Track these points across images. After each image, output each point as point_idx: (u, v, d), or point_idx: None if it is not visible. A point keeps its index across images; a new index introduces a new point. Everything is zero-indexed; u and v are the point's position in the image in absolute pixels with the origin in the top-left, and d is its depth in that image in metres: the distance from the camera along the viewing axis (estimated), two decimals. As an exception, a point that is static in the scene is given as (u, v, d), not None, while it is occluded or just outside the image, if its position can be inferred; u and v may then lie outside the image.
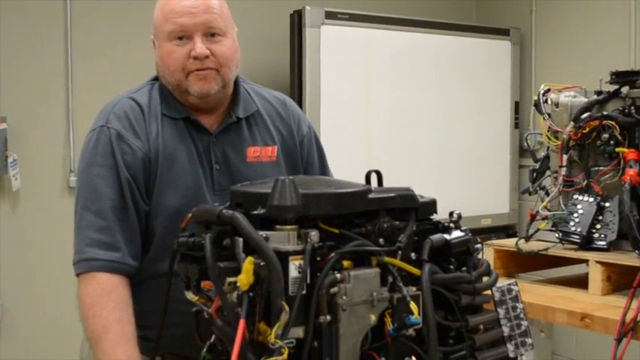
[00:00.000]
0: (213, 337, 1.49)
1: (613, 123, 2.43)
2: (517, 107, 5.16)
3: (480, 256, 1.67)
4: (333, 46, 4.30)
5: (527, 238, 2.58)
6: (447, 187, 4.53)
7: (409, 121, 4.65)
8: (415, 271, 1.51)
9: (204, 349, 1.49)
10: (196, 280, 1.46)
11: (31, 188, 3.81)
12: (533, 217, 2.63)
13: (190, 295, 1.48)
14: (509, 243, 2.64)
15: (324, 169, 2.16)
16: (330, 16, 4.28)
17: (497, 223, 5.01)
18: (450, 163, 4.82)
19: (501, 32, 5.07)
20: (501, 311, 1.64)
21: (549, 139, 2.60)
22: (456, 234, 1.62)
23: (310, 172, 2.10)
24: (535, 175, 2.71)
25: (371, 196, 1.52)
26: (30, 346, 3.85)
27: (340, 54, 4.36)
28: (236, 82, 2.03)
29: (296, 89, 4.19)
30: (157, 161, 1.92)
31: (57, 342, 3.85)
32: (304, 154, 2.10)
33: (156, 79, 2.03)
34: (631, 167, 2.37)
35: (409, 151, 4.61)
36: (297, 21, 4.22)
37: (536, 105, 2.61)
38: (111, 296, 1.80)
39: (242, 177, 1.91)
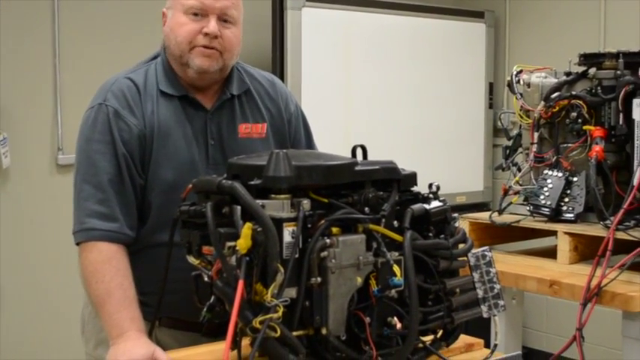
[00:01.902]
0: (212, 298, 1.61)
1: (581, 102, 2.54)
2: (491, 88, 5.25)
3: (456, 224, 1.80)
4: (313, 27, 4.37)
5: (501, 212, 2.71)
6: (424, 166, 4.55)
7: (387, 100, 4.74)
8: (397, 237, 1.62)
9: (205, 309, 1.61)
10: (198, 245, 1.57)
11: (20, 166, 3.86)
12: (506, 192, 2.75)
13: (192, 259, 1.59)
14: (483, 216, 2.75)
15: (310, 146, 2.25)
16: (311, -2, 4.38)
17: (472, 200, 5.10)
18: (427, 142, 4.91)
19: (476, 15, 5.15)
20: (476, 275, 1.75)
21: (521, 117, 2.70)
22: (435, 204, 1.74)
23: (298, 148, 2.19)
24: (508, 152, 2.82)
25: (357, 168, 1.63)
26: (24, 321, 3.91)
27: (321, 35, 4.43)
28: None
29: (278, 70, 4.26)
30: (152, 138, 2.01)
31: (51, 315, 3.94)
32: (292, 131, 2.21)
33: (154, 58, 2.12)
34: (597, 144, 2.48)
35: (387, 130, 4.69)
36: (278, 3, 4.28)
37: (509, 85, 2.72)
38: (112, 263, 1.90)
39: (233, 152, 2.00)
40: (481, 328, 1.91)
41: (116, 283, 1.86)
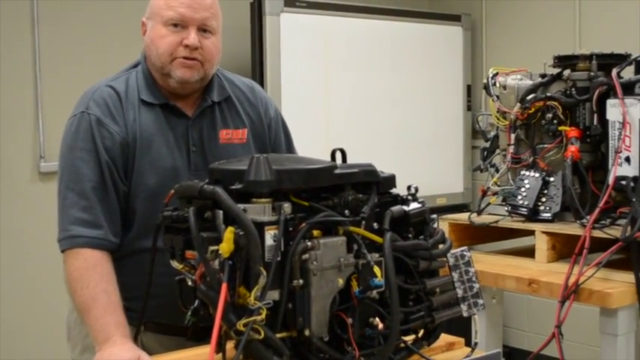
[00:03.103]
0: (196, 302, 1.63)
1: (556, 104, 2.57)
2: (469, 90, 5.31)
3: (435, 225, 1.83)
4: (292, 33, 4.40)
5: (479, 212, 2.74)
6: (403, 168, 4.59)
7: (366, 104, 4.77)
8: (378, 239, 1.65)
9: (189, 313, 1.63)
10: (181, 250, 1.59)
11: (2, 173, 3.86)
12: (484, 193, 2.79)
13: (175, 264, 1.61)
14: (462, 217, 2.78)
15: (290, 150, 2.28)
16: (289, 4, 4.38)
17: (452, 201, 5.13)
18: (406, 144, 4.94)
19: (453, 18, 5.20)
20: (455, 275, 1.77)
21: (498, 119, 2.74)
22: (414, 205, 1.77)
23: (278, 153, 2.21)
24: (486, 153, 2.85)
25: (337, 171, 1.66)
26: (8, 326, 3.92)
27: (299, 41, 4.46)
28: None
29: (257, 75, 4.28)
30: (134, 145, 2.03)
31: (35, 320, 3.94)
32: (272, 136, 2.23)
33: (134, 66, 2.14)
34: (572, 144, 2.51)
35: (367, 133, 4.73)
36: (257, 9, 4.31)
37: (486, 88, 2.75)
38: (96, 269, 1.92)
39: (215, 158, 2.02)
40: (461, 327, 1.93)
41: (101, 289, 1.88)
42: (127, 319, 1.91)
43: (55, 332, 2.23)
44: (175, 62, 2.03)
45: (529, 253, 2.63)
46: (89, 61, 4.00)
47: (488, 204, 2.73)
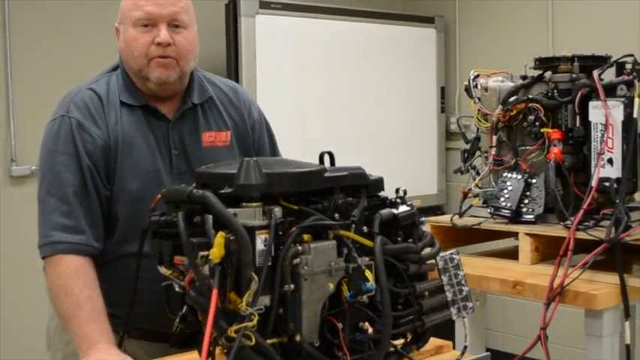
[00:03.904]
0: (185, 309, 1.59)
1: (538, 105, 2.57)
2: (443, 92, 5.33)
3: (423, 228, 1.81)
4: (267, 34, 4.40)
5: (461, 214, 2.74)
6: (378, 169, 4.58)
7: (341, 106, 4.78)
8: (367, 242, 1.63)
9: (177, 320, 1.59)
10: (169, 256, 1.56)
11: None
12: (465, 195, 2.78)
13: (163, 270, 1.57)
14: (444, 219, 2.78)
15: (275, 153, 2.26)
16: (264, 5, 4.38)
17: (426, 203, 5.12)
18: (380, 145, 4.95)
19: (427, 20, 5.22)
20: (445, 278, 1.77)
21: (479, 121, 2.74)
22: (403, 208, 1.76)
23: (261, 155, 2.19)
24: (466, 155, 2.85)
25: (327, 174, 1.63)
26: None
27: (274, 42, 4.46)
28: (191, 72, 2.13)
29: (233, 76, 4.26)
30: (116, 148, 2.00)
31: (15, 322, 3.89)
32: (255, 138, 2.21)
33: (114, 69, 2.10)
34: (555, 146, 2.51)
35: (342, 135, 4.73)
36: (232, 10, 4.30)
37: (467, 90, 2.74)
38: (80, 275, 1.88)
39: (198, 161, 2.00)
40: (443, 331, 1.92)
41: (85, 296, 1.85)
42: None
43: (36, 336, 2.19)
44: (152, 63, 2.00)
45: (511, 255, 2.63)
46: (61, 64, 3.96)
47: (470, 206, 2.72)
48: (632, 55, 2.49)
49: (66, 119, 1.99)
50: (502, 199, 2.60)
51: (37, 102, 3.91)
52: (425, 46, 5.23)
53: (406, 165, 5.11)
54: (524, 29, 4.92)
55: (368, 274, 1.60)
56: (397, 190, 1.78)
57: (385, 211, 1.71)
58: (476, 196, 2.76)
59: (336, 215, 1.62)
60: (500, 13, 5.07)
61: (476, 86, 2.73)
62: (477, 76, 2.75)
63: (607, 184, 2.37)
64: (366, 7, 4.99)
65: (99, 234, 1.98)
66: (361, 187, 1.69)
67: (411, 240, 1.75)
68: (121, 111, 2.03)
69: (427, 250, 1.75)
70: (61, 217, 1.93)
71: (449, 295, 1.77)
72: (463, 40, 5.32)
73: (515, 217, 2.58)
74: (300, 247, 1.53)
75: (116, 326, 1.89)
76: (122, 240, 1.99)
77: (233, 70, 4.31)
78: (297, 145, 4.33)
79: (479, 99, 2.72)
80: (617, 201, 2.30)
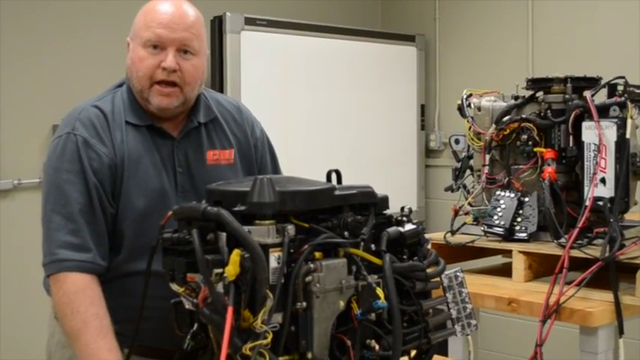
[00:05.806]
0: (195, 326, 1.59)
1: (531, 125, 2.60)
2: (423, 110, 5.38)
3: (428, 246, 1.83)
4: (252, 50, 4.43)
5: (454, 232, 2.76)
6: (360, 187, 4.66)
7: (324, 122, 4.81)
8: (376, 260, 1.64)
9: (188, 337, 1.59)
10: (182, 273, 1.56)
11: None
12: (456, 212, 2.81)
13: (175, 287, 1.57)
14: (437, 236, 2.78)
15: (276, 170, 2.27)
16: (250, 22, 4.41)
17: (406, 220, 5.17)
18: (362, 162, 4.97)
19: (407, 38, 5.28)
20: (449, 296, 1.79)
21: (472, 140, 2.77)
22: (409, 226, 1.77)
23: (264, 173, 2.19)
24: (458, 173, 2.88)
25: (337, 193, 1.65)
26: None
27: (259, 58, 4.48)
28: None
29: (217, 92, 4.26)
30: (122, 166, 1.98)
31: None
32: (258, 156, 2.21)
33: (119, 85, 2.10)
34: (549, 165, 2.55)
35: (324, 151, 4.75)
36: (217, 27, 4.31)
37: (460, 109, 2.77)
38: (86, 293, 1.87)
39: (202, 179, 2.00)
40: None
41: (92, 313, 1.84)
42: (117, 344, 1.86)
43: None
44: (153, 89, 2.00)
45: (503, 272, 2.65)
46: (48, 77, 3.93)
47: (464, 224, 2.74)
48: (623, 77, 2.53)
49: (72, 136, 1.97)
50: (495, 217, 2.62)
51: (22, 116, 3.88)
52: (405, 63, 5.28)
53: (386, 181, 5.10)
54: (504, 48, 4.98)
55: (379, 291, 1.61)
56: (402, 209, 1.79)
57: (392, 229, 1.72)
58: (466, 213, 2.78)
59: (346, 233, 1.62)
60: (480, 32, 5.12)
61: (469, 105, 2.76)
62: (470, 96, 2.78)
63: (600, 203, 2.40)
64: (348, 24, 5.05)
65: (104, 252, 1.97)
66: (369, 205, 1.70)
67: (416, 258, 1.76)
68: (126, 129, 2.02)
69: (432, 268, 1.77)
70: (67, 235, 1.91)
71: (453, 313, 1.79)
72: (443, 59, 5.37)
73: (509, 235, 2.60)
74: (312, 265, 1.54)
75: (121, 343, 1.88)
76: (127, 257, 1.98)
77: (218, 85, 4.32)
78: (281, 161, 4.31)
79: (472, 118, 2.75)
80: (612, 220, 2.34)
